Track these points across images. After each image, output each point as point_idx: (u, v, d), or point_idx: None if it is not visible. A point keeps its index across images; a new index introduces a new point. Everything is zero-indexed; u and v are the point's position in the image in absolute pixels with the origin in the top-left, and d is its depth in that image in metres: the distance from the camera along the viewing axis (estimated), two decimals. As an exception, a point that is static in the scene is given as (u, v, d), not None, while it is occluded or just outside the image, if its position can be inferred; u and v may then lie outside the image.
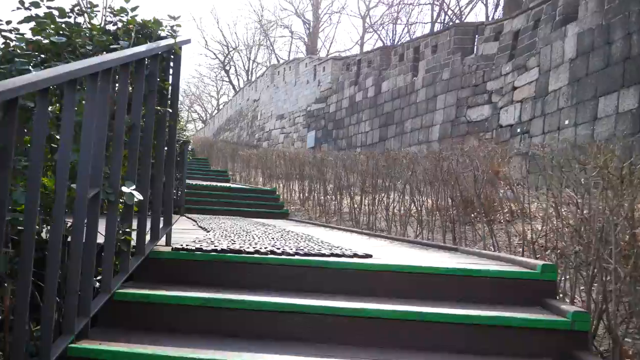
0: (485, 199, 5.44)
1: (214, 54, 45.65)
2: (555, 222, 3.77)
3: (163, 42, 3.05)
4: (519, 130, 12.16)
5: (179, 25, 3.48)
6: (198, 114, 51.13)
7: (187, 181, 11.69)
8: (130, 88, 2.81)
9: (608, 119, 9.16)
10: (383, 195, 7.59)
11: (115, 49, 2.81)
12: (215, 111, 44.90)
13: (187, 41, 3.41)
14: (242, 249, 3.10)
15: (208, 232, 5.46)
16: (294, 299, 2.65)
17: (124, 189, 2.64)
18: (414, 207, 6.65)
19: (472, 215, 5.99)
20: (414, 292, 2.82)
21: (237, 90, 38.41)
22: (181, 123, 10.62)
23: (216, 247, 3.04)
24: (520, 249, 5.17)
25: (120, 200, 2.67)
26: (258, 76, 32.94)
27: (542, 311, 2.68)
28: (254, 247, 3.24)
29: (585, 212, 3.12)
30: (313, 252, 3.19)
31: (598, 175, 3.06)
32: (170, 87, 3.35)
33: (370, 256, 3.22)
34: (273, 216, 9.94)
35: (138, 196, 2.69)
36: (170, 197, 3.38)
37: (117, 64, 2.52)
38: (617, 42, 9.20)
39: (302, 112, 24.09)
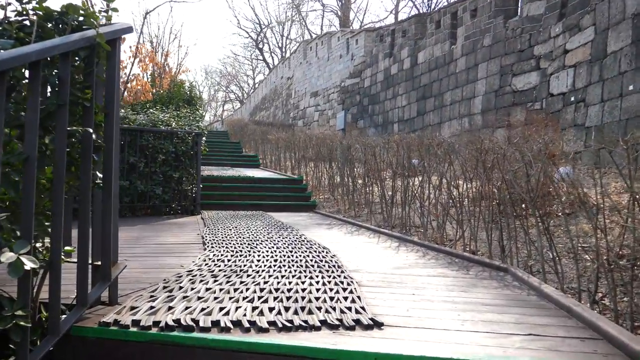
0: (538, 188, 4.36)
1: (247, 32, 44.78)
2: None
3: (75, 36, 2.15)
4: (572, 98, 10.72)
5: (115, 10, 2.57)
6: (235, 94, 50.63)
7: (213, 172, 10.99)
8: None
9: (683, 84, 7.73)
10: (417, 188, 6.56)
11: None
12: (252, 90, 44.21)
13: (121, 31, 2.50)
14: (197, 320, 2.19)
15: (205, 247, 4.63)
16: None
17: (3, 256, 1.76)
18: (452, 203, 5.62)
19: (522, 206, 4.94)
20: None
21: (271, 68, 37.47)
22: (198, 112, 9.84)
23: (159, 321, 2.16)
24: (588, 260, 4.12)
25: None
26: (291, 53, 31.85)
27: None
28: (222, 313, 2.34)
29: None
30: (303, 324, 2.24)
31: None
32: (93, 94, 2.46)
33: (381, 326, 2.25)
34: (299, 209, 9.08)
35: (29, 265, 1.82)
36: (108, 242, 2.51)
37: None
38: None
39: (336, 88, 22.96)
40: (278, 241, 5.06)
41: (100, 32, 2.28)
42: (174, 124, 7.82)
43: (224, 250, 4.39)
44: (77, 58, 2.36)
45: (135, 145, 7.30)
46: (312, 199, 9.48)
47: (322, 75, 24.58)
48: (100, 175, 2.48)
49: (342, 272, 3.55)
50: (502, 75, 13.41)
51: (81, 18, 2.30)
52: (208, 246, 4.64)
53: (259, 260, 3.97)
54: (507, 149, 4.40)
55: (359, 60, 21.31)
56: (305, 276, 3.34)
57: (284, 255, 4.22)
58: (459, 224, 5.36)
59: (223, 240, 5.01)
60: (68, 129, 2.15)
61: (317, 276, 3.35)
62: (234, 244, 4.83)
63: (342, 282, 3.15)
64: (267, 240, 5.09)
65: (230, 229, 5.98)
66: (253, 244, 4.85)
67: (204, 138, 8.53)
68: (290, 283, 3.10)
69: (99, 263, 2.48)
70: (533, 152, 4.08)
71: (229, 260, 3.95)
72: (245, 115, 38.11)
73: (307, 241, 5.15)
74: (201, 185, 9.22)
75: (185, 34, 56.84)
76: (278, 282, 3.11)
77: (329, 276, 3.37)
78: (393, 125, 18.60)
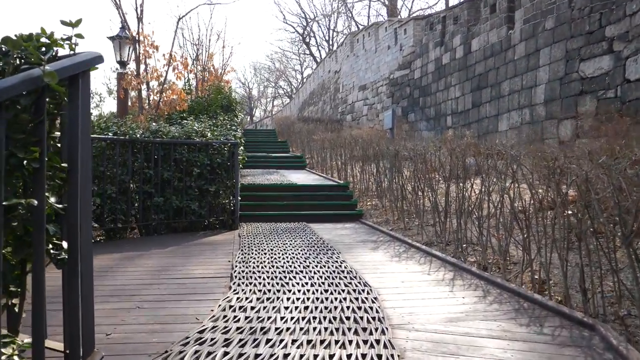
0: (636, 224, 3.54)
1: (293, 27, 44.32)
2: None
3: (9, 80, 1.61)
4: (652, 85, 9.52)
5: (79, 37, 2.03)
6: (284, 89, 50.41)
7: (257, 178, 10.56)
8: None
9: None
10: (474, 198, 5.78)
11: None
12: (300, 85, 43.80)
13: (86, 63, 1.95)
14: None
15: (232, 283, 4.10)
16: None
17: None
18: (516, 222, 4.84)
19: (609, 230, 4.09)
20: None
21: (318, 62, 36.87)
22: (235, 120, 9.36)
23: None
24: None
25: None
26: (338, 46, 31.10)
27: None
28: None
29: None
30: None
31: None
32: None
33: None
34: (344, 219, 8.45)
35: None
36: (76, 327, 1.98)
37: None
38: None
39: (384, 81, 22.09)
40: (314, 273, 4.47)
41: (50, 70, 1.74)
42: (209, 134, 7.37)
43: (249, 292, 3.85)
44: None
45: (169, 159, 6.91)
46: (358, 208, 8.82)
47: (370, 68, 23.75)
48: (65, 246, 1.96)
49: (383, 331, 2.91)
50: (568, 60, 12.22)
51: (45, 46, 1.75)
52: (235, 282, 4.11)
53: (286, 308, 3.40)
54: (589, 168, 3.59)
55: (408, 50, 20.34)
56: (337, 341, 2.73)
57: (317, 299, 3.62)
58: (525, 249, 4.59)
59: (253, 273, 4.47)
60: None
61: (350, 341, 2.73)
62: (264, 278, 4.29)
63: (380, 357, 2.52)
64: (302, 272, 4.51)
65: (265, 253, 5.45)
66: (285, 278, 4.28)
67: (241, 147, 8.05)
68: (316, 357, 2.51)
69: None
70: (623, 172, 3.26)
71: (252, 309, 3.40)
72: (294, 110, 37.76)
73: (348, 272, 4.53)
74: (242, 195, 8.79)
75: (229, 32, 56.65)
76: (302, 356, 2.52)
77: (366, 341, 2.74)
78: (446, 118, 17.61)
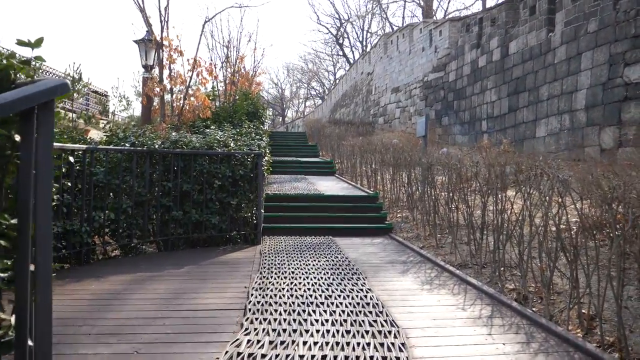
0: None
1: (327, 28, 43.87)
2: None
3: None
4: None
5: (40, 60, 1.64)
6: (316, 90, 50.01)
7: (284, 186, 10.19)
8: None
9: None
10: (513, 217, 5.23)
11: None
12: (333, 87, 43.34)
13: (44, 93, 1.57)
14: None
15: (245, 318, 3.70)
16: None
17: None
18: (561, 248, 4.29)
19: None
20: None
21: (351, 63, 36.33)
22: (261, 128, 8.96)
23: None
24: None
25: None
26: (371, 47, 30.51)
27: None
28: None
29: None
30: None
31: None
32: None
33: None
34: (373, 233, 7.96)
35: None
36: None
37: None
38: None
39: (418, 84, 21.45)
40: (337, 306, 4.02)
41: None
42: (232, 144, 7.01)
43: (262, 332, 3.43)
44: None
45: (189, 170, 6.58)
46: (387, 222, 8.31)
47: (404, 70, 23.12)
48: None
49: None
50: (612, 65, 11.44)
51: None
52: (248, 318, 3.70)
53: (301, 358, 2.97)
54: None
55: (443, 52, 19.67)
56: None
57: (338, 344, 3.18)
58: (572, 280, 4.03)
59: (269, 305, 4.05)
60: None
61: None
62: (280, 312, 3.87)
63: None
64: (323, 304, 4.07)
65: (285, 277, 5.03)
66: (304, 313, 3.84)
67: (266, 157, 7.66)
68: None
69: None
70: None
71: (262, 357, 2.99)
72: (325, 112, 37.32)
73: (374, 305, 4.07)
74: (267, 205, 8.42)
75: (261, 34, 56.48)
76: None
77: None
78: (481, 122, 16.90)
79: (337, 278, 5.02)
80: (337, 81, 40.24)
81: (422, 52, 21.48)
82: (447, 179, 6.92)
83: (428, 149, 9.89)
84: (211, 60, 19.11)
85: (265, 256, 6.12)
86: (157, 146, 6.29)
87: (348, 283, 4.84)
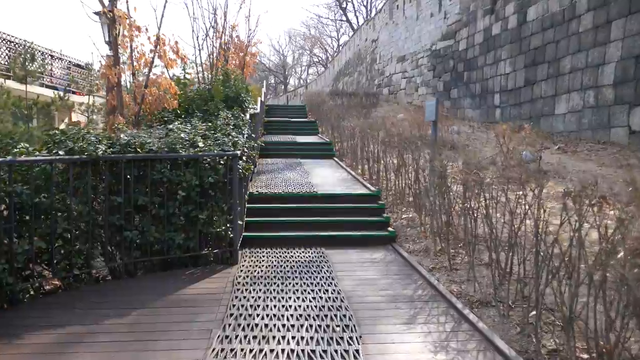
0: None
1: (331, -10, 41.42)
2: None
3: None
4: None
5: None
6: (318, 57, 47.79)
7: (270, 180, 8.83)
8: None
9: None
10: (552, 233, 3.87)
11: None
12: (336, 54, 41.24)
13: None
14: None
15: None
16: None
17: None
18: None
19: None
20: None
21: (355, 30, 34.26)
22: (243, 117, 7.44)
23: None
24: None
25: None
26: (376, 12, 28.48)
27: None
28: None
29: None
30: None
31: None
32: None
33: None
34: (373, 243, 6.65)
35: None
36: None
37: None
38: None
39: (425, 52, 19.72)
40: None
41: None
42: (201, 144, 5.63)
43: None
44: None
45: (146, 180, 5.25)
46: (391, 229, 6.95)
47: (410, 38, 21.32)
48: None
49: None
50: (648, 36, 9.86)
51: None
52: None
53: None
54: None
55: (453, 19, 17.87)
56: None
57: None
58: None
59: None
60: None
61: None
62: None
63: None
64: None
65: (255, 335, 3.74)
66: None
67: (253, 145, 6.28)
68: None
69: None
70: None
71: None
72: (328, 80, 35.47)
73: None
74: (250, 209, 7.11)
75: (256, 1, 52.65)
76: None
77: None
78: (493, 96, 15.33)
79: (322, 340, 3.72)
80: (340, 48, 38.18)
81: (431, 18, 19.67)
82: (462, 188, 5.52)
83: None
84: (193, 31, 17.25)
85: (238, 288, 4.82)
86: (101, 152, 4.92)
87: (337, 349, 3.55)
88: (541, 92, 13.20)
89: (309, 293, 4.70)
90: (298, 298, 4.56)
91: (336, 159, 12.43)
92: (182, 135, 5.62)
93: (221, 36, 12.21)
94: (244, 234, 6.49)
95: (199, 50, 11.22)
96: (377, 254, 6.24)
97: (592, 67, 11.40)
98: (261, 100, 13.49)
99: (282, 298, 4.56)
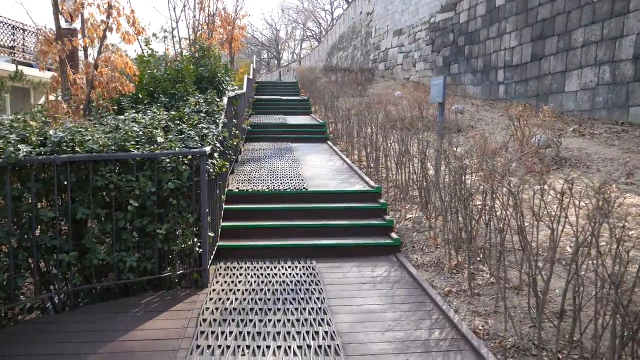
0: None
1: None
2: None
3: None
4: None
5: None
6: (312, 31, 45.77)
7: (254, 172, 7.56)
8: None
9: None
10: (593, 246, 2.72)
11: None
12: (330, 27, 39.28)
13: None
14: None
15: None
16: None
17: None
18: None
19: None
20: None
21: (350, 1, 32.38)
22: (217, 103, 6.07)
23: None
24: None
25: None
26: (371, -17, 26.69)
27: None
28: None
29: None
30: None
31: None
32: None
33: None
34: (373, 253, 5.43)
35: None
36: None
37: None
38: None
39: (424, 25, 18.20)
40: None
41: None
42: (159, 138, 4.35)
43: None
44: None
45: (87, 187, 3.99)
46: (394, 235, 5.68)
47: (407, 10, 19.74)
48: None
49: None
50: (678, 4, 8.55)
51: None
52: None
53: None
54: None
55: (453, -11, 16.35)
56: None
57: None
58: None
59: None
60: None
61: None
62: None
63: None
64: None
65: None
66: None
67: (249, 128, 5.01)
68: None
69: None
70: None
71: None
72: (322, 54, 33.75)
73: None
74: (230, 209, 5.89)
75: None
76: None
77: None
78: (497, 72, 13.97)
79: None
80: (334, 22, 36.29)
81: (429, -11, 18.10)
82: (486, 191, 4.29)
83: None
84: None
85: (202, 331, 3.61)
86: (22, 154, 3.63)
87: None
88: (550, 68, 11.88)
89: (293, 339, 3.51)
90: (279, 348, 3.37)
91: (330, 142, 11.09)
92: (134, 128, 4.31)
93: (203, 7, 10.72)
94: (219, 243, 5.27)
95: (176, 22, 9.79)
96: (379, 270, 5.03)
97: (608, 40, 10.09)
98: (248, 78, 12.08)
99: (258, 349, 3.36)
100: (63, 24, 6.17)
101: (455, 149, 5.15)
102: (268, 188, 6.76)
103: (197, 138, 4.60)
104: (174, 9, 16.17)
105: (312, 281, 4.61)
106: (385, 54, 21.81)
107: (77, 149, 4.00)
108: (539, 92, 12.14)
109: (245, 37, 15.90)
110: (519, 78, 13.01)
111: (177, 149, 4.32)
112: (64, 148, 3.94)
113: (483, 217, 4.55)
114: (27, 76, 12.48)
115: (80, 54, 5.81)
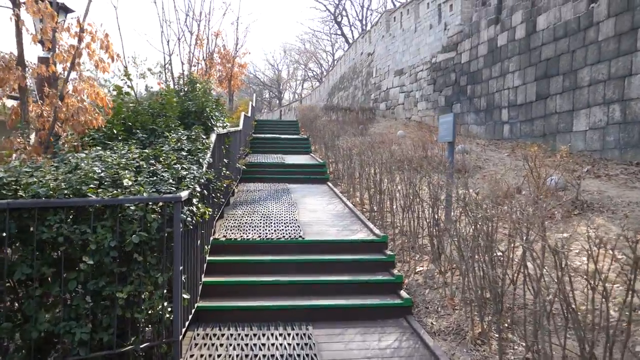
0: None
1: (324, 5, 39.66)
2: None
3: None
4: None
5: None
6: (313, 72, 45.92)
7: (245, 217, 6.76)
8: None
9: None
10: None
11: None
12: (331, 68, 39.34)
13: None
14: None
15: None
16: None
17: None
18: None
19: None
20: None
21: (351, 43, 32.39)
22: (203, 141, 5.30)
23: None
24: None
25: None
26: (372, 25, 26.62)
27: None
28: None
29: None
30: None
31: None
32: None
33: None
34: (380, 317, 4.56)
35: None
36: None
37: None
38: None
39: (425, 65, 17.79)
40: None
41: None
42: (126, 181, 3.59)
43: None
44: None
45: (30, 240, 3.21)
46: (405, 295, 4.77)
47: (408, 50, 19.41)
48: None
49: None
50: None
51: None
52: None
53: None
54: None
55: (454, 30, 15.99)
56: None
57: None
58: None
59: None
60: None
61: None
62: None
63: None
64: None
65: None
66: None
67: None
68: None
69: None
70: None
71: None
72: (323, 94, 33.50)
73: None
74: (215, 260, 5.06)
75: (246, 8, 48.73)
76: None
77: None
78: (500, 111, 13.38)
79: None
80: (335, 62, 36.30)
81: (430, 30, 17.77)
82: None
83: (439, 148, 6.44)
84: (162, 32, 14.88)
85: None
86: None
87: None
88: (556, 107, 11.28)
89: None
90: None
91: (330, 183, 10.30)
92: (95, 168, 3.55)
93: (202, 43, 10.20)
94: (198, 304, 4.42)
95: (169, 55, 9.24)
96: (388, 340, 4.14)
97: (617, 79, 9.52)
98: (246, 116, 11.46)
99: None
100: (41, 53, 5.53)
101: (475, 194, 4.37)
102: (259, 236, 5.88)
103: (172, 181, 3.83)
104: (168, 42, 15.77)
105: (307, 355, 3.73)
106: (386, 94, 21.38)
107: (20, 193, 3.23)
108: (546, 132, 11.50)
109: (245, 75, 15.45)
110: (524, 117, 12.41)
111: (145, 194, 3.54)
112: (3, 192, 3.16)
113: (512, 275, 3.73)
114: None
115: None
